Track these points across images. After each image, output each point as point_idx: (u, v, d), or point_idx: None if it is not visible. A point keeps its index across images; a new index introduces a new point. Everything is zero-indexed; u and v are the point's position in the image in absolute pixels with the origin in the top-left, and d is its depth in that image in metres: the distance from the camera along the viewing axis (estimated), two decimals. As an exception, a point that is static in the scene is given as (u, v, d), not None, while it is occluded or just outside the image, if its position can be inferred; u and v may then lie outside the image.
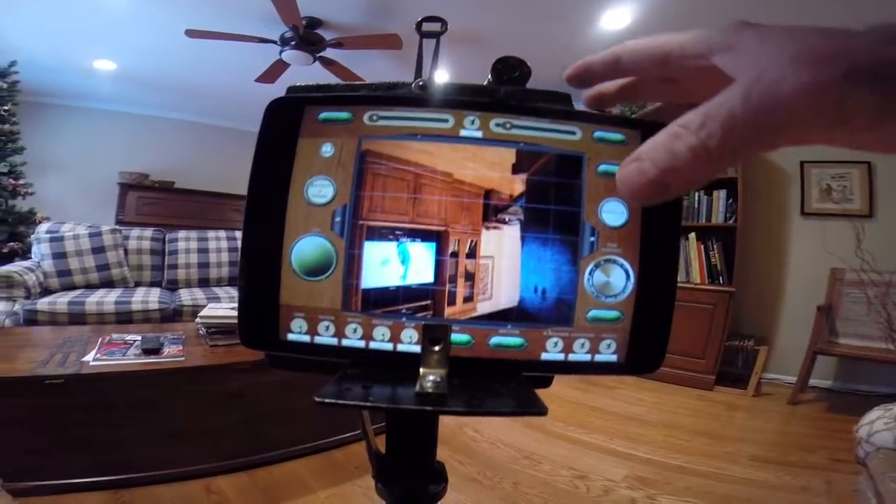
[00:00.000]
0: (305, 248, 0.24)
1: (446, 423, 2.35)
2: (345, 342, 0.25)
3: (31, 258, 3.10)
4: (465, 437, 2.21)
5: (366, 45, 2.97)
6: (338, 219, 0.25)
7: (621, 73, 0.23)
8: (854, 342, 2.93)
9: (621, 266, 0.25)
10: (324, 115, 0.25)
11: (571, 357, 0.25)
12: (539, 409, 0.21)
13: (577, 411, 2.66)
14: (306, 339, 0.25)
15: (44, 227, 3.17)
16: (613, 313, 0.24)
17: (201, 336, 1.96)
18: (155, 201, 4.97)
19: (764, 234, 3.52)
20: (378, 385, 0.23)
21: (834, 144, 0.19)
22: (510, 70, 0.26)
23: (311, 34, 3.00)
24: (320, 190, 0.25)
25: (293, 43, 2.99)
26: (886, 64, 0.15)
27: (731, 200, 3.35)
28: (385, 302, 0.25)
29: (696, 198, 3.48)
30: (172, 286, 3.37)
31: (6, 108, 3.56)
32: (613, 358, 0.25)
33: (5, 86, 3.55)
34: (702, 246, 3.40)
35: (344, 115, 0.25)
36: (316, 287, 0.24)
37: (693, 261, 3.43)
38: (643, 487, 1.84)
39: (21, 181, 3.69)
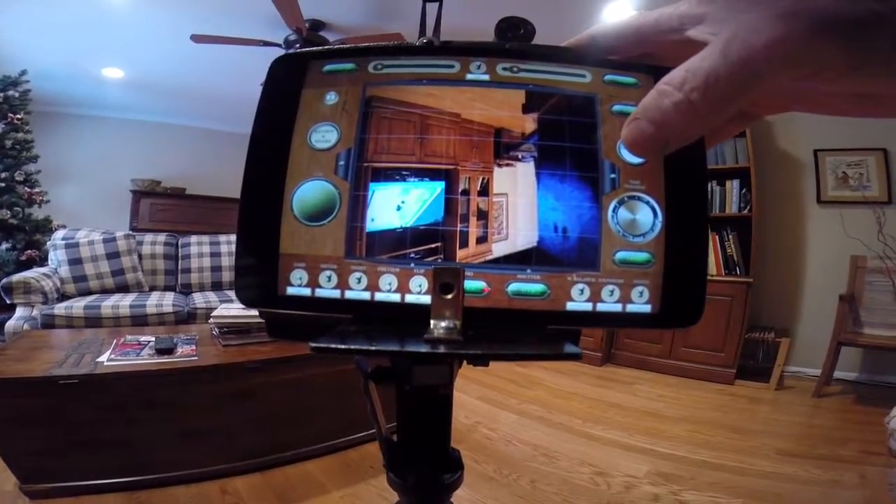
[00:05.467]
0: (308, 192, 0.23)
1: (460, 420, 2.33)
2: (348, 294, 0.23)
3: (47, 265, 3.15)
4: (479, 436, 2.18)
5: (370, 45, 2.97)
6: (342, 162, 0.24)
7: (598, 54, 0.24)
8: (880, 332, 2.84)
9: (647, 203, 0.22)
10: (328, 66, 0.25)
11: (600, 307, 0.22)
12: (570, 352, 0.18)
13: (595, 407, 2.62)
14: (307, 292, 0.23)
15: (60, 234, 3.23)
16: (643, 255, 0.22)
17: (214, 336, 1.96)
18: (167, 207, 5.04)
19: (780, 223, 3.45)
20: (383, 336, 0.21)
21: (813, 108, 0.21)
22: (514, 28, 0.25)
23: (314, 36, 3.01)
24: (324, 135, 0.24)
25: (297, 46, 3.01)
26: (850, 20, 0.16)
27: (744, 190, 3.29)
28: (391, 245, 0.23)
29: (709, 188, 3.42)
30: (186, 290, 3.41)
31: (19, 116, 3.62)
32: (647, 308, 0.22)
33: (17, 94, 3.62)
34: (717, 236, 3.34)
35: (348, 65, 0.25)
36: (318, 233, 0.23)
37: (709, 252, 3.36)
38: (666, 483, 1.80)
39: (36, 189, 3.76)
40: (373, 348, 0.18)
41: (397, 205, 0.23)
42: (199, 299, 3.08)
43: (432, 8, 0.31)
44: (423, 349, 0.18)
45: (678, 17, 0.20)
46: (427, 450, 0.29)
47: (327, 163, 0.24)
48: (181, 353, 1.74)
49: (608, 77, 0.24)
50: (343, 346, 0.18)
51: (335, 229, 0.23)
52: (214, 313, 2.00)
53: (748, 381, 3.12)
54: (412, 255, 0.23)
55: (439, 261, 0.22)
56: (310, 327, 0.24)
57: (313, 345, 0.18)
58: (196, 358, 1.71)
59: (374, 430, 0.31)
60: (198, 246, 3.54)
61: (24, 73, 3.63)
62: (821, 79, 0.17)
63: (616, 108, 0.23)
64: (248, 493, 1.63)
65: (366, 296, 0.22)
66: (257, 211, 0.23)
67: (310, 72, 0.25)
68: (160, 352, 1.72)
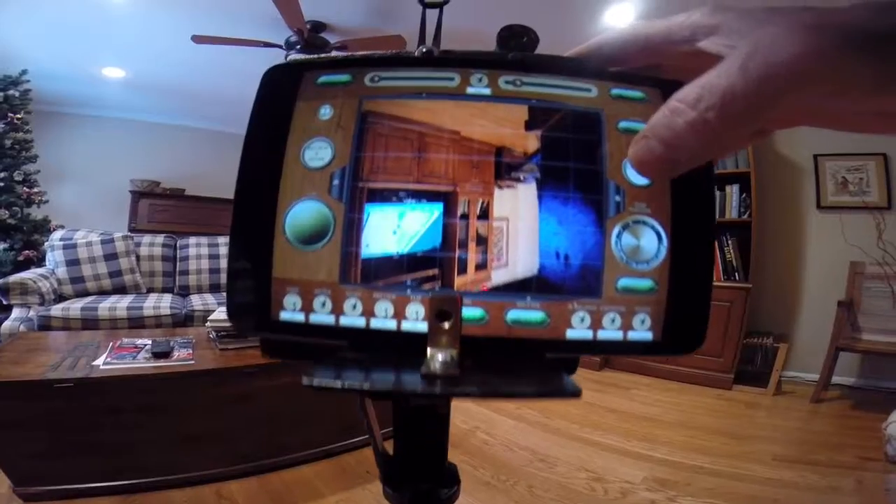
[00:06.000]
0: (301, 213, 0.22)
1: (457, 425, 2.32)
2: (343, 320, 0.22)
3: (45, 265, 3.14)
4: (477, 441, 2.18)
5: (370, 48, 2.96)
6: (336, 182, 0.22)
7: (604, 64, 0.23)
8: (877, 338, 2.84)
9: (652, 228, 0.22)
10: (323, 78, 0.24)
11: (601, 335, 0.22)
12: (571, 391, 0.18)
13: (592, 413, 2.61)
14: (300, 317, 0.22)
15: (57, 234, 3.22)
16: (646, 282, 0.22)
17: (211, 340, 1.95)
18: (166, 208, 5.02)
19: (779, 228, 3.45)
20: (379, 370, 0.20)
21: (833, 125, 0.20)
22: (517, 37, 0.25)
23: (315, 38, 3.00)
24: (318, 152, 0.23)
25: (298, 47, 3.00)
26: (878, 35, 0.15)
27: (744, 195, 3.29)
28: (387, 272, 0.22)
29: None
30: (184, 292, 3.40)
31: (19, 116, 3.61)
32: (648, 335, 0.22)
33: (17, 94, 3.60)
34: (716, 242, 3.33)
35: (344, 77, 0.24)
36: (312, 257, 0.22)
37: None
38: (663, 489, 1.79)
39: (35, 189, 3.74)
40: (366, 387, 0.17)
41: (393, 229, 0.22)
42: (196, 301, 3.07)
43: (432, 12, 0.30)
44: (420, 389, 0.18)
45: (690, 27, 0.19)
46: (423, 464, 0.29)
47: (321, 182, 0.22)
48: (178, 356, 1.73)
49: (615, 91, 0.23)
50: (338, 385, 0.18)
51: (329, 254, 0.22)
52: (211, 317, 1.99)
53: (746, 386, 3.12)
54: (409, 282, 0.22)
55: (436, 288, 0.22)
56: (305, 348, 0.23)
57: (306, 382, 0.17)
58: (193, 362, 1.70)
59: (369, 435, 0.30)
60: (196, 248, 3.53)
61: (24, 72, 3.61)
62: (846, 97, 0.16)
63: (622, 124, 0.23)
64: (243, 498, 1.62)
65: (361, 322, 0.22)
66: (249, 232, 0.23)
67: (304, 83, 0.24)
68: (157, 355, 1.71)
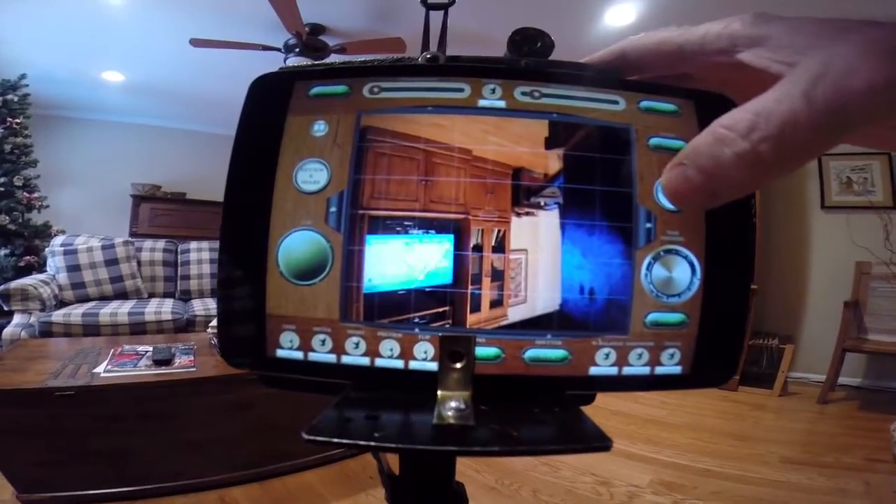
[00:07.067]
0: (295, 245, 0.20)
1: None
2: (345, 359, 0.20)
3: (46, 271, 3.13)
4: (482, 444, 2.16)
5: (369, 50, 2.95)
6: (333, 208, 0.20)
7: (626, 72, 0.21)
8: (884, 338, 2.82)
9: (685, 258, 0.20)
10: (316, 89, 0.21)
11: (626, 371, 0.20)
12: (601, 443, 0.16)
13: (596, 415, 2.51)
14: (298, 355, 0.20)
15: (58, 240, 3.21)
16: (677, 316, 0.20)
17: (213, 346, 1.94)
18: (167, 213, 5.00)
19: (784, 229, 3.42)
20: (387, 411, 0.18)
21: (870, 143, 0.18)
22: (530, 41, 0.22)
23: (314, 41, 2.99)
24: (312, 175, 0.20)
25: (297, 50, 2.99)
26: None
27: (748, 195, 3.27)
28: (393, 309, 0.20)
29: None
30: (185, 297, 3.38)
31: (18, 120, 3.59)
32: (677, 370, 0.20)
33: (16, 98, 3.57)
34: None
35: (340, 88, 0.21)
36: (309, 293, 0.20)
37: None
38: (670, 492, 1.77)
39: (35, 194, 3.72)
40: (373, 444, 0.16)
41: (398, 262, 0.20)
42: (198, 306, 3.06)
43: (436, 15, 0.28)
44: (432, 448, 0.16)
45: (729, 37, 0.17)
46: (430, 485, 0.27)
47: (317, 209, 0.20)
48: (179, 363, 1.72)
49: (644, 104, 0.21)
50: (341, 440, 0.16)
51: (328, 289, 0.20)
52: (213, 323, 1.98)
53: (752, 388, 3.09)
54: (416, 320, 0.20)
55: (447, 326, 0.20)
56: (306, 381, 0.22)
57: (307, 437, 0.15)
58: (194, 369, 1.69)
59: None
60: (197, 252, 3.52)
61: (23, 76, 3.60)
62: None
63: (653, 141, 0.20)
64: (246, 504, 1.61)
65: (365, 361, 0.20)
66: (239, 266, 0.21)
67: (295, 94, 0.21)
68: (158, 363, 1.69)
